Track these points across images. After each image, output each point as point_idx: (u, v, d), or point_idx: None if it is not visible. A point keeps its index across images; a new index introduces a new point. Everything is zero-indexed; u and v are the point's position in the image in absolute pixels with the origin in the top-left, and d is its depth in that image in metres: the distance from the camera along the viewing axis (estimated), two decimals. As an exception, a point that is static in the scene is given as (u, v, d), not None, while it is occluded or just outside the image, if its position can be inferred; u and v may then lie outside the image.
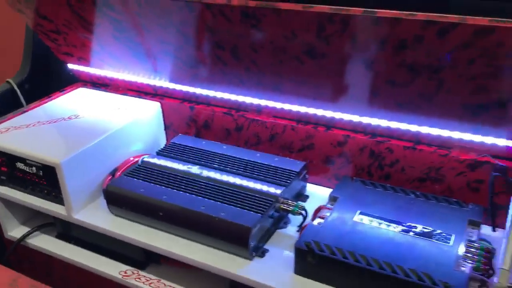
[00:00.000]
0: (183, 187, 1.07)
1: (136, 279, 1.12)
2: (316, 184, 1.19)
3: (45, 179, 1.13)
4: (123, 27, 1.14)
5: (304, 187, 1.16)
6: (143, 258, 1.14)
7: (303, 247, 0.90)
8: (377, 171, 1.11)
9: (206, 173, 1.12)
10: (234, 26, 0.95)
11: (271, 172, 1.11)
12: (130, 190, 1.08)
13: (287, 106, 1.15)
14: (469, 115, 0.91)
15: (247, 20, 0.92)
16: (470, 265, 0.85)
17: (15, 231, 1.28)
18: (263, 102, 1.18)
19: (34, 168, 1.13)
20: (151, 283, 1.11)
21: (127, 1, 1.04)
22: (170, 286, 1.10)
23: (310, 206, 1.04)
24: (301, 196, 1.15)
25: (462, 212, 0.97)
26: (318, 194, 1.15)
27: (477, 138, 0.97)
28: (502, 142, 0.94)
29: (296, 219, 1.06)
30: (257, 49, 0.99)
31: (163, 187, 1.08)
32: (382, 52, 0.85)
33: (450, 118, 0.95)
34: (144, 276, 1.13)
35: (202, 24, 1.01)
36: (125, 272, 1.14)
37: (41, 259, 1.26)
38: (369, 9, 0.78)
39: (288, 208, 1.02)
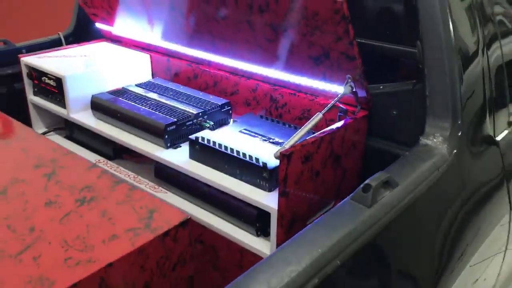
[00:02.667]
0: (138, 102, 1.58)
1: (103, 165, 1.64)
2: (239, 120, 1.64)
3: (57, 89, 1.69)
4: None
5: (227, 118, 1.61)
6: (111, 153, 1.66)
7: (193, 139, 1.37)
8: (274, 111, 1.54)
9: (158, 98, 1.62)
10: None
11: (201, 103, 1.58)
12: (104, 99, 1.61)
13: (221, 60, 1.62)
14: (315, 67, 1.33)
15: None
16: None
17: (39, 130, 1.85)
18: (210, 57, 1.67)
19: (52, 81, 1.70)
20: (111, 167, 1.62)
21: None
22: (124, 171, 1.60)
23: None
24: (224, 123, 1.60)
25: (313, 137, 1.39)
26: (236, 125, 1.61)
27: (327, 86, 1.38)
28: (341, 90, 1.35)
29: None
30: (195, 14, 1.48)
31: (126, 101, 1.60)
32: (253, 16, 1.30)
33: (310, 70, 1.37)
34: (110, 164, 1.65)
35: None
36: (99, 160, 1.66)
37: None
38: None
39: (201, 123, 1.49)
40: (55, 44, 2.07)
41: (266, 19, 1.29)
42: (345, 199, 0.97)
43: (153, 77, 1.88)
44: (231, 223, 1.32)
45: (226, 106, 1.59)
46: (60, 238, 0.86)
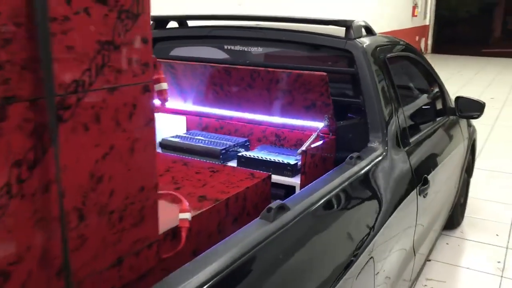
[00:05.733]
0: (193, 141, 2.54)
1: (169, 183, 2.53)
2: (253, 152, 2.64)
3: (134, 136, 2.59)
4: (175, 78, 2.69)
5: (248, 149, 2.60)
6: (172, 176, 2.57)
7: (240, 155, 2.34)
8: (278, 143, 2.57)
9: (203, 138, 2.59)
10: (216, 73, 2.49)
11: (231, 140, 2.57)
12: (169, 140, 2.55)
13: (241, 115, 2.65)
14: (306, 112, 2.40)
15: (225, 73, 2.45)
16: (300, 162, 2.28)
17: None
18: (233, 114, 2.69)
19: (130, 132, 2.60)
20: (175, 184, 2.52)
21: (180, 68, 2.59)
22: (184, 186, 2.51)
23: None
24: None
25: (306, 153, 2.42)
26: (253, 154, 2.60)
27: (312, 124, 2.45)
28: (321, 125, 2.42)
29: (241, 158, 2.50)
30: (231, 85, 2.52)
31: (184, 140, 2.55)
32: (271, 85, 2.37)
33: (302, 115, 2.44)
34: (172, 182, 2.54)
35: (204, 77, 2.55)
36: (164, 181, 2.55)
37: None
38: (267, 67, 2.31)
39: (237, 150, 2.48)
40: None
41: (279, 86, 2.36)
42: (340, 164, 2.00)
43: (187, 131, 2.84)
44: (267, 201, 2.27)
45: (247, 142, 2.60)
46: (216, 182, 1.79)
